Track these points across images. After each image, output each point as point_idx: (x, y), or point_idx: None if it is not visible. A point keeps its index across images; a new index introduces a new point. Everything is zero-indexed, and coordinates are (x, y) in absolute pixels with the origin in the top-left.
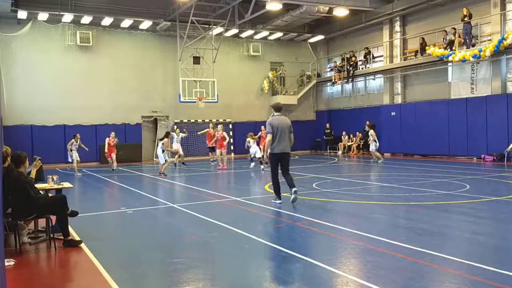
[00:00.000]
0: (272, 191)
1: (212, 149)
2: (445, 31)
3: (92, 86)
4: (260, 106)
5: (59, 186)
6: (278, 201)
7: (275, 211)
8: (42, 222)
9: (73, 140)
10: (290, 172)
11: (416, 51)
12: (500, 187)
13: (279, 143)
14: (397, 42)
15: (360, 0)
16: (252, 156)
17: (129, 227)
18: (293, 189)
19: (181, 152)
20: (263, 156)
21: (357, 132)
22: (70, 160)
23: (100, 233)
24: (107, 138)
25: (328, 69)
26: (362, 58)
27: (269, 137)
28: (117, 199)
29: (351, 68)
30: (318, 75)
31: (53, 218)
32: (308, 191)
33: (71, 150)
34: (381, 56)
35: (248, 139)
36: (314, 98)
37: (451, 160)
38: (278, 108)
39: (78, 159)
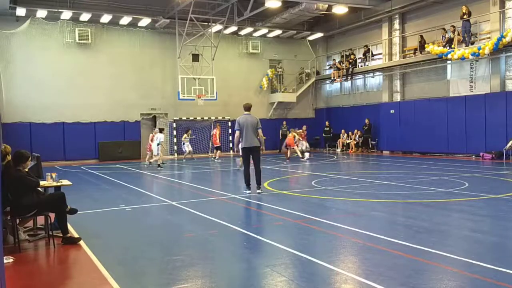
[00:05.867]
0: (272, 189)
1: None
2: (444, 29)
3: (91, 83)
4: (259, 103)
5: (58, 184)
6: (247, 191)
7: (274, 209)
8: (41, 220)
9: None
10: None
11: (415, 49)
12: (498, 185)
13: (246, 139)
14: (396, 40)
15: None
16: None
17: (128, 225)
18: (258, 191)
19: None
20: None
21: (356, 130)
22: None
23: (99, 230)
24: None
25: (327, 67)
26: (361, 55)
27: (237, 133)
28: (116, 197)
29: (350, 66)
30: (317, 73)
31: (52, 215)
32: (307, 188)
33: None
34: (380, 53)
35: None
36: (313, 96)
37: (449, 158)
38: (246, 108)
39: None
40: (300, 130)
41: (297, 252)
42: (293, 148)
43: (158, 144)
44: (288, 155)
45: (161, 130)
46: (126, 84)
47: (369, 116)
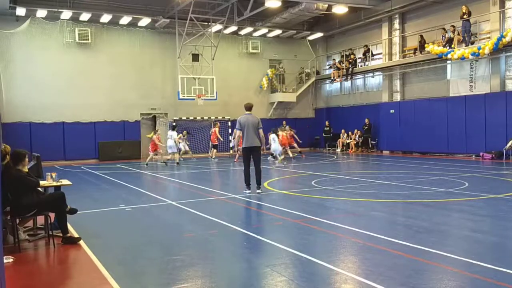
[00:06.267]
0: (272, 189)
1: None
2: (444, 28)
3: (91, 83)
4: (259, 103)
5: (58, 184)
6: (247, 191)
7: (274, 209)
8: (41, 220)
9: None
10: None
11: (415, 49)
12: (498, 185)
13: (247, 138)
14: (396, 39)
15: None
16: (274, 153)
17: (128, 225)
18: (257, 191)
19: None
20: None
21: (356, 130)
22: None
23: (99, 230)
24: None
25: (327, 67)
26: (361, 55)
27: (238, 133)
28: (116, 197)
29: (350, 66)
30: (317, 73)
31: (52, 215)
32: (307, 188)
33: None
34: (380, 53)
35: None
36: (313, 96)
37: (449, 158)
38: (247, 107)
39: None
40: (286, 132)
41: (297, 252)
42: (285, 148)
43: (175, 141)
44: (291, 155)
45: (173, 128)
46: (126, 84)
47: (369, 116)
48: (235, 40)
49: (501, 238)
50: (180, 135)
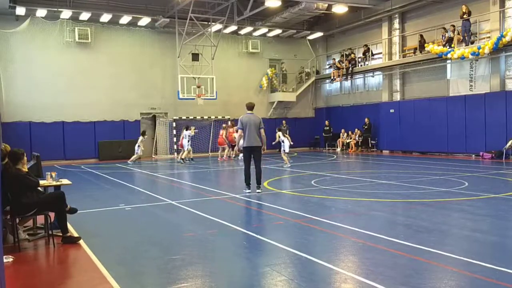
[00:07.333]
0: (272, 188)
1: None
2: (444, 28)
3: (91, 83)
4: (259, 103)
5: (58, 183)
6: (247, 191)
7: (274, 209)
8: (40, 219)
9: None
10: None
11: (415, 48)
12: (498, 185)
13: (248, 138)
14: (396, 39)
15: None
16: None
17: (128, 224)
18: (257, 191)
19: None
20: (233, 148)
21: (356, 129)
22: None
23: (99, 230)
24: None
25: (327, 66)
26: (361, 55)
27: (239, 132)
28: (116, 196)
29: (350, 65)
30: (317, 72)
31: (52, 214)
32: (307, 188)
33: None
34: (380, 53)
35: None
36: (313, 95)
37: (449, 158)
38: (249, 107)
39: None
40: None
41: (297, 252)
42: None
43: (188, 141)
44: (225, 154)
45: (187, 128)
46: (126, 83)
47: (369, 116)
48: (235, 40)
49: (501, 238)
50: (141, 137)
